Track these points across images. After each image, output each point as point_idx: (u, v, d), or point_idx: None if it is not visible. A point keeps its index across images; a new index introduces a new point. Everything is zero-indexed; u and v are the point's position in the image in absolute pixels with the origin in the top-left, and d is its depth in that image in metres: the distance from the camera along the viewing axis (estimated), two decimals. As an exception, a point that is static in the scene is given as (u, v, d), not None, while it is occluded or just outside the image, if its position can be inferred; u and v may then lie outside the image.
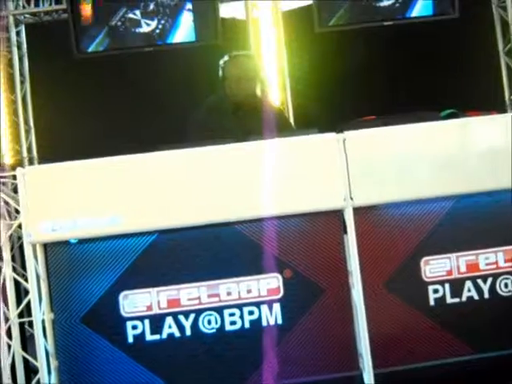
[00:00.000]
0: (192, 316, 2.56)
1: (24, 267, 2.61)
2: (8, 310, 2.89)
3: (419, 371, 2.58)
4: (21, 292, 3.10)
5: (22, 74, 5.22)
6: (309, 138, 2.63)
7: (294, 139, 2.63)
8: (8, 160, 5.02)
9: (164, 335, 2.55)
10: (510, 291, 2.64)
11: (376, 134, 2.63)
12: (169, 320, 2.56)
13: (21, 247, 3.11)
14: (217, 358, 2.55)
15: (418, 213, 2.62)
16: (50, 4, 5.14)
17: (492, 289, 2.64)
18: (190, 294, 2.55)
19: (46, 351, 2.53)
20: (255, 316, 2.57)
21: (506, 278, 2.65)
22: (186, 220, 2.53)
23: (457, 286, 2.63)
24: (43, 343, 2.51)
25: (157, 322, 2.55)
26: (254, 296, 2.57)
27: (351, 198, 2.56)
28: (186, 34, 4.90)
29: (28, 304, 2.64)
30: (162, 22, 4.89)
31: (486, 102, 4.63)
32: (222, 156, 2.58)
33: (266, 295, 2.58)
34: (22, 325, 2.97)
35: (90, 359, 2.53)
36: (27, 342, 3.03)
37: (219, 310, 2.56)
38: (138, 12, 4.87)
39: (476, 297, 2.64)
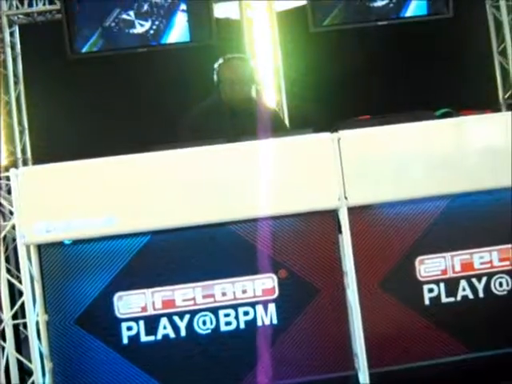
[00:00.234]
0: (187, 317, 2.55)
1: (18, 268, 2.59)
2: (2, 311, 2.88)
3: (414, 371, 2.58)
4: (15, 293, 3.09)
5: (15, 75, 5.21)
6: (303, 137, 2.63)
7: (288, 139, 2.63)
8: (2, 161, 5.01)
9: (159, 336, 2.55)
10: (504, 290, 2.65)
11: (371, 133, 2.63)
12: (164, 321, 2.55)
13: (15, 248, 3.09)
14: (212, 358, 2.54)
15: (412, 212, 2.62)
16: (44, 4, 5.14)
17: (487, 288, 2.64)
18: (185, 294, 2.55)
19: (41, 353, 2.51)
20: (250, 316, 2.57)
21: (501, 277, 2.65)
22: (180, 221, 2.52)
23: (452, 285, 2.63)
24: (37, 345, 2.50)
25: (152, 322, 2.54)
26: (249, 296, 2.57)
27: (346, 198, 2.56)
28: (180, 35, 4.90)
29: (22, 305, 2.63)
30: (156, 22, 4.89)
31: (481, 101, 4.64)
32: (216, 156, 2.57)
33: (261, 295, 2.57)
34: (16, 326, 2.95)
35: (84, 361, 2.52)
36: (21, 343, 3.02)
37: (214, 311, 2.56)
38: (131, 13, 4.87)
39: (471, 296, 2.64)
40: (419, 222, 2.62)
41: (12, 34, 5.21)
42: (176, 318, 2.55)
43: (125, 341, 2.53)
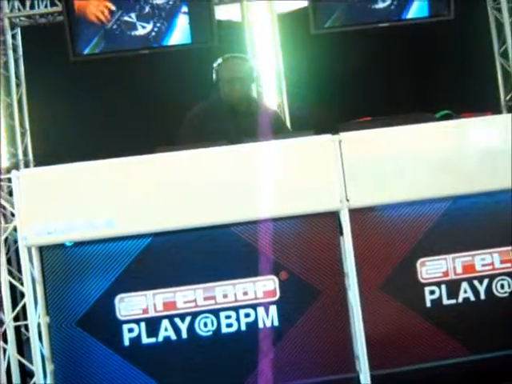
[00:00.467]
0: (188, 319, 2.55)
1: (20, 270, 2.59)
2: (3, 313, 2.88)
3: (416, 373, 2.58)
4: (16, 295, 3.09)
5: (17, 77, 5.22)
6: (305, 139, 2.63)
7: (289, 141, 2.63)
8: (3, 163, 5.01)
9: (160, 338, 2.55)
10: (506, 292, 2.64)
11: (372, 135, 2.63)
12: (165, 323, 2.55)
13: (17, 250, 3.10)
14: (213, 360, 2.54)
15: (414, 214, 2.62)
16: (46, 6, 5.15)
17: (488, 290, 2.64)
18: (186, 296, 2.55)
19: (42, 355, 2.51)
20: (251, 318, 2.57)
21: (502, 279, 2.65)
22: (181, 222, 2.52)
23: (453, 287, 2.63)
24: (39, 347, 2.50)
25: (153, 324, 2.54)
26: (251, 298, 2.57)
27: (347, 200, 2.56)
28: (181, 37, 4.91)
29: (24, 307, 2.64)
30: (158, 24, 4.89)
31: (482, 103, 4.64)
32: (218, 158, 2.57)
33: (262, 297, 2.57)
34: (17, 328, 2.96)
35: (85, 362, 2.52)
36: (23, 345, 3.02)
37: (215, 313, 2.56)
38: (133, 15, 4.88)
39: (472, 298, 2.64)
40: (420, 223, 2.62)
41: (14, 36, 5.22)
42: (177, 320, 2.55)
43: (126, 343, 2.53)
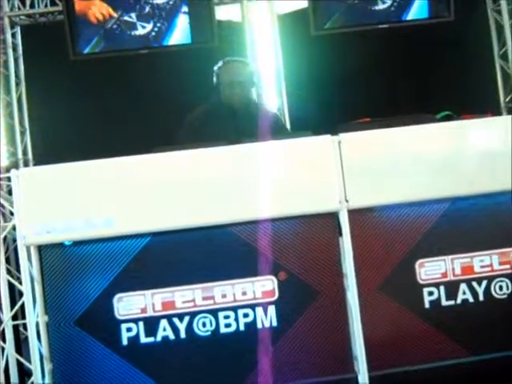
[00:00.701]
0: (187, 318, 2.55)
1: (18, 269, 2.59)
2: (2, 312, 2.88)
3: (414, 374, 2.58)
4: (15, 294, 3.08)
5: (17, 76, 5.22)
6: (304, 140, 2.63)
7: (289, 141, 2.63)
8: (3, 162, 5.01)
9: (158, 338, 2.55)
10: (504, 294, 2.65)
11: (371, 136, 2.63)
12: (163, 322, 2.55)
13: (15, 249, 3.09)
14: (211, 360, 2.54)
15: (413, 215, 2.62)
16: (46, 5, 5.15)
17: (487, 291, 2.64)
18: (185, 296, 2.55)
19: (40, 354, 2.51)
20: (250, 318, 2.57)
21: (501, 281, 2.65)
22: (180, 222, 2.52)
23: (452, 288, 2.63)
24: (37, 346, 2.50)
25: (151, 324, 2.54)
26: (249, 298, 2.57)
27: (346, 201, 2.56)
28: (181, 37, 4.91)
29: (22, 306, 2.63)
30: (158, 24, 4.89)
31: (481, 104, 4.64)
32: (217, 158, 2.57)
33: (260, 297, 2.57)
34: (16, 327, 2.95)
35: (84, 362, 2.52)
36: (21, 344, 3.02)
37: (214, 313, 2.56)
38: (133, 15, 4.88)
39: (471, 299, 2.64)
40: (419, 224, 2.62)
41: (14, 35, 5.22)
42: (176, 320, 2.55)
43: (124, 342, 2.53)
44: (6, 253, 3.08)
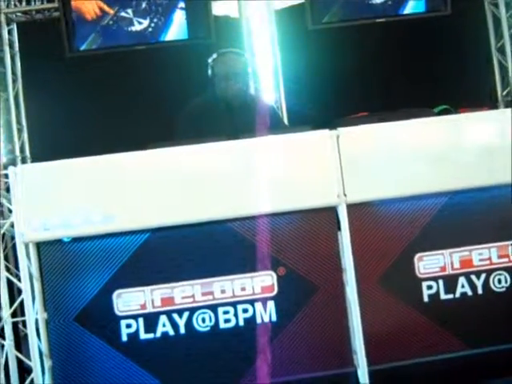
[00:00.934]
0: (186, 314, 2.55)
1: (17, 267, 2.59)
2: (1, 309, 2.88)
3: (413, 367, 2.58)
4: (14, 291, 3.09)
5: (14, 73, 5.20)
6: (302, 134, 2.62)
7: (287, 136, 2.63)
8: (1, 159, 5.00)
9: (158, 334, 2.55)
10: (503, 287, 2.65)
11: (369, 130, 2.63)
12: (163, 318, 2.55)
13: (14, 247, 3.10)
14: (211, 356, 2.54)
15: (411, 209, 2.62)
16: (42, 2, 5.13)
17: (485, 285, 2.64)
18: (184, 292, 2.55)
19: (40, 351, 2.51)
20: (249, 314, 2.57)
21: (500, 274, 2.65)
22: (179, 218, 2.52)
23: (450, 282, 2.63)
24: (37, 343, 2.49)
25: (151, 320, 2.54)
26: (248, 294, 2.57)
27: (345, 195, 2.56)
28: (178, 33, 4.90)
29: (21, 303, 2.64)
30: (155, 20, 4.88)
31: (479, 98, 4.64)
32: (215, 153, 2.57)
33: (260, 293, 2.57)
34: (15, 324, 2.96)
35: (83, 358, 2.52)
36: (21, 341, 3.02)
37: (213, 308, 2.56)
38: (130, 11, 4.86)
39: (470, 293, 2.64)
40: (418, 218, 2.62)
41: (10, 32, 5.20)
42: (175, 316, 2.55)
43: (124, 338, 2.53)
44: (4, 250, 3.08)
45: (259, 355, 2.55)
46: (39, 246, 2.53)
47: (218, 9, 5.13)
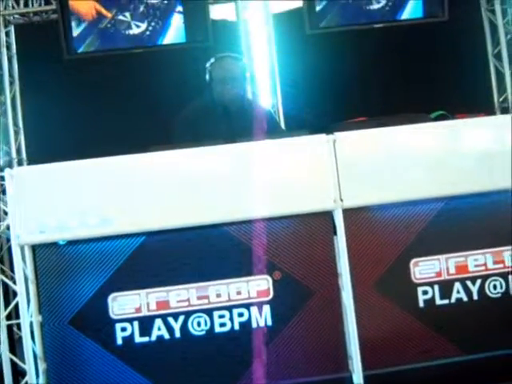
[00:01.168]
0: (181, 318, 2.55)
1: (12, 269, 2.59)
2: (-4, 312, 2.87)
3: (408, 373, 2.58)
4: (9, 294, 3.08)
5: (11, 75, 5.19)
6: (299, 139, 2.63)
7: (284, 140, 2.63)
8: (-3, 161, 4.99)
9: (153, 337, 2.54)
10: (498, 293, 2.65)
11: (366, 135, 2.64)
12: (158, 322, 2.54)
13: (9, 249, 3.09)
14: (206, 360, 2.54)
15: (407, 214, 2.63)
16: (40, 4, 5.12)
17: (481, 290, 2.65)
18: (180, 295, 2.54)
19: (34, 354, 2.50)
20: (245, 318, 2.57)
21: (495, 280, 2.66)
22: (175, 222, 2.52)
23: (446, 287, 2.64)
24: (31, 346, 2.49)
25: (146, 323, 2.54)
26: (244, 298, 2.57)
27: (341, 200, 2.56)
28: (176, 36, 4.90)
29: (16, 306, 2.63)
30: (153, 23, 4.89)
31: (475, 104, 4.65)
32: (211, 157, 2.57)
33: (255, 297, 2.57)
34: (10, 327, 2.95)
35: (78, 362, 2.52)
36: (15, 344, 3.01)
37: (209, 312, 2.56)
38: (127, 14, 4.86)
39: (465, 298, 2.64)
40: (414, 224, 2.62)
41: (7, 34, 5.19)
42: (170, 319, 2.55)
43: (119, 342, 2.53)
44: (-1, 252, 3.07)
45: (254, 359, 2.54)
46: (35, 248, 2.52)
47: (215, 12, 5.13)
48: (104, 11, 4.84)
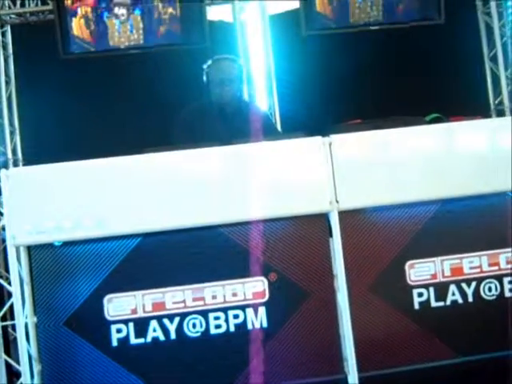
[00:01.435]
0: (177, 319, 2.55)
1: (7, 270, 2.58)
2: (-9, 313, 2.86)
3: (403, 375, 2.59)
4: (4, 295, 3.07)
5: (7, 75, 5.18)
6: (295, 141, 2.63)
7: (280, 142, 2.64)
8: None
9: (149, 339, 2.54)
10: (493, 295, 2.66)
11: (362, 137, 2.64)
12: (153, 323, 2.54)
13: (4, 250, 3.08)
14: (202, 361, 2.54)
15: (403, 216, 2.63)
16: (36, 4, 5.12)
17: (476, 293, 2.65)
18: (175, 297, 2.54)
19: (29, 355, 2.50)
20: (240, 319, 2.57)
21: (490, 282, 2.66)
22: (171, 223, 2.52)
23: (441, 289, 2.64)
24: (26, 347, 2.48)
25: (141, 325, 2.54)
26: (240, 299, 2.57)
27: (337, 202, 2.56)
28: (173, 37, 4.89)
29: (11, 307, 2.62)
30: (150, 25, 4.88)
31: (471, 107, 4.67)
32: (207, 159, 2.57)
33: (251, 299, 2.57)
34: (4, 328, 2.94)
35: (73, 363, 2.51)
36: (10, 345, 3.01)
37: (204, 314, 2.56)
38: (124, 12, 4.85)
39: (460, 301, 2.65)
40: (409, 226, 2.63)
41: (4, 34, 5.18)
42: (166, 321, 2.54)
43: (114, 343, 2.53)
44: (-5, 253, 3.06)
45: (250, 361, 2.54)
46: (30, 249, 2.52)
47: (212, 13, 5.13)
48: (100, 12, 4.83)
